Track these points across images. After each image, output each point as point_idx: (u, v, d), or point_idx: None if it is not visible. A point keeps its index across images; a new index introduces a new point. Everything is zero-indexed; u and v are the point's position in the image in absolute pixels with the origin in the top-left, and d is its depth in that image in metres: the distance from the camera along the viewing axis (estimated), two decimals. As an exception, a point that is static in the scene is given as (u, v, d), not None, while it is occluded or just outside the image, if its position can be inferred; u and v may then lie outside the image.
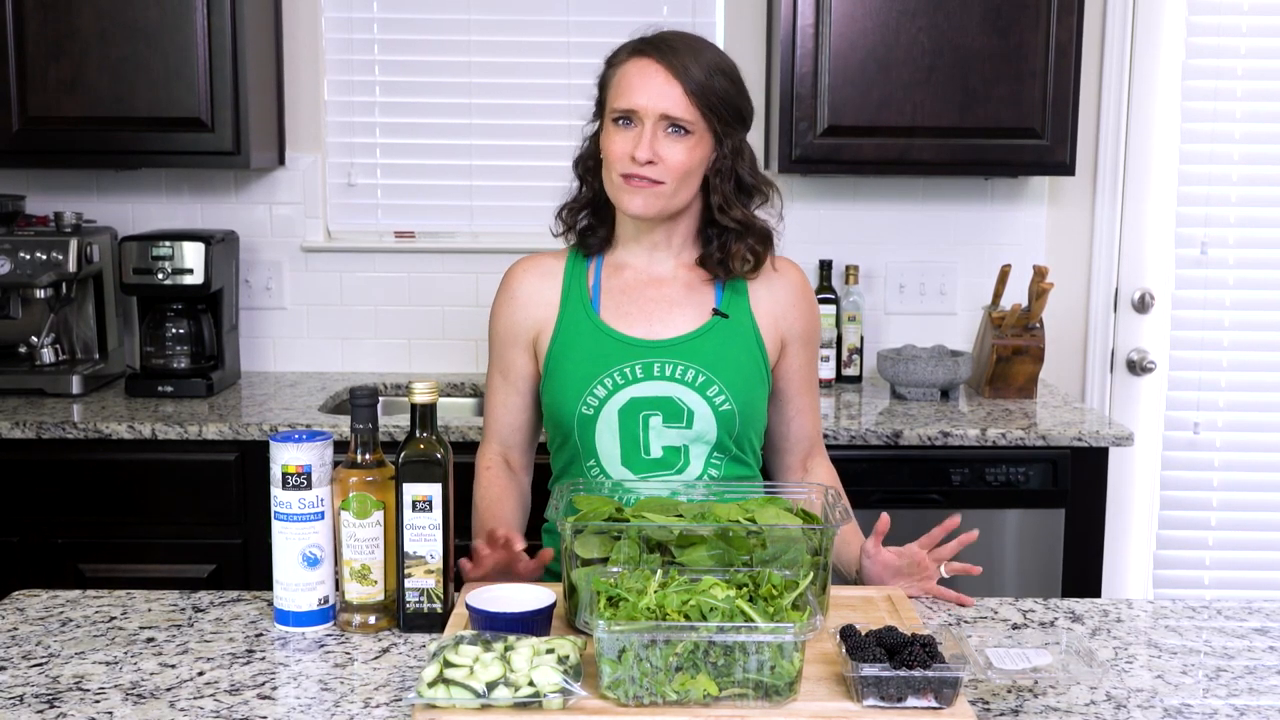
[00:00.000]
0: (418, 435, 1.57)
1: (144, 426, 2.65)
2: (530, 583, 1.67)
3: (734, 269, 1.93)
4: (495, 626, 1.46)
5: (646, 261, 1.96)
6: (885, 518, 1.78)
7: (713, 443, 1.91)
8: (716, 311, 1.93)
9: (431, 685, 1.31)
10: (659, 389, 1.89)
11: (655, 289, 1.95)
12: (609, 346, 1.90)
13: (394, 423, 2.60)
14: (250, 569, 2.68)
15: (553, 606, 1.51)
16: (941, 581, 1.78)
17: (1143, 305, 3.34)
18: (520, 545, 1.70)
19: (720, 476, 1.91)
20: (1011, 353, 3.00)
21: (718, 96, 1.85)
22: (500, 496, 1.95)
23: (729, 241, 1.92)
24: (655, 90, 1.83)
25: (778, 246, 1.98)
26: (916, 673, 1.31)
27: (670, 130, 1.84)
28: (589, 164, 1.96)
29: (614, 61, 1.91)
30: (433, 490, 1.55)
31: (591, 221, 1.98)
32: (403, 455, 1.56)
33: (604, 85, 1.92)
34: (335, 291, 3.30)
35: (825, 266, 3.21)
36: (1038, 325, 3.02)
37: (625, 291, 1.95)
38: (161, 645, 1.54)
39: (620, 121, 1.86)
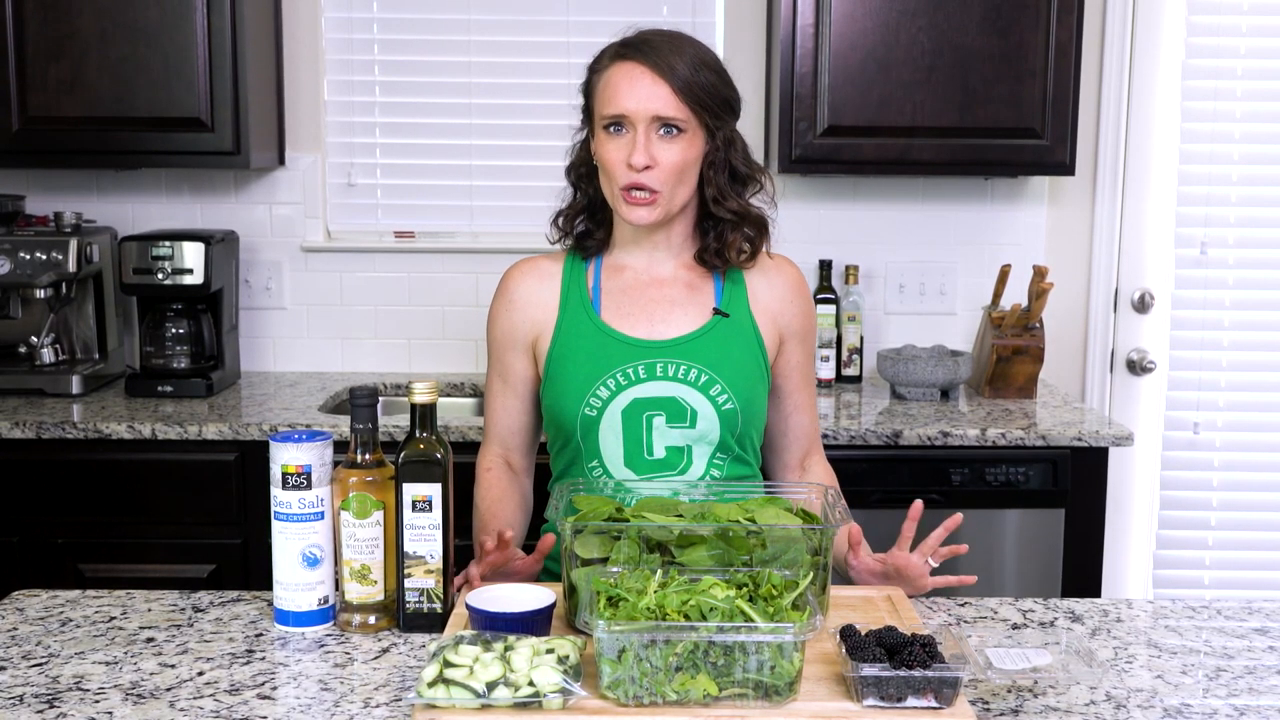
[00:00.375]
0: (418, 435, 1.57)
1: (144, 426, 2.65)
2: (530, 582, 1.67)
3: (730, 259, 1.93)
4: (495, 626, 1.46)
5: (647, 263, 1.96)
6: (856, 528, 1.77)
7: (716, 443, 1.90)
8: (717, 311, 1.93)
9: (431, 685, 1.31)
10: (662, 389, 1.89)
11: (656, 289, 1.95)
12: (611, 347, 1.90)
13: (394, 423, 2.60)
14: (250, 569, 2.68)
15: (553, 606, 1.51)
16: (933, 571, 1.77)
17: (1143, 305, 3.34)
18: (509, 534, 1.69)
19: (723, 476, 1.91)
20: (1011, 353, 3.00)
21: (705, 91, 1.84)
22: (501, 498, 1.95)
23: (725, 232, 1.92)
24: (643, 93, 1.82)
25: (773, 234, 1.99)
26: (916, 673, 1.31)
27: (663, 131, 1.83)
28: (581, 170, 1.96)
29: (597, 67, 1.90)
30: (433, 490, 1.55)
31: (588, 226, 1.99)
32: (403, 455, 1.56)
33: (589, 92, 1.91)
34: (335, 291, 3.30)
35: (825, 266, 3.21)
36: (1038, 325, 3.02)
37: (626, 292, 1.95)
38: (161, 645, 1.54)
39: (611, 128, 1.85)
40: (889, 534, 1.86)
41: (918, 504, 1.76)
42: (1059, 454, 2.71)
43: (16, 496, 2.68)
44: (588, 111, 1.93)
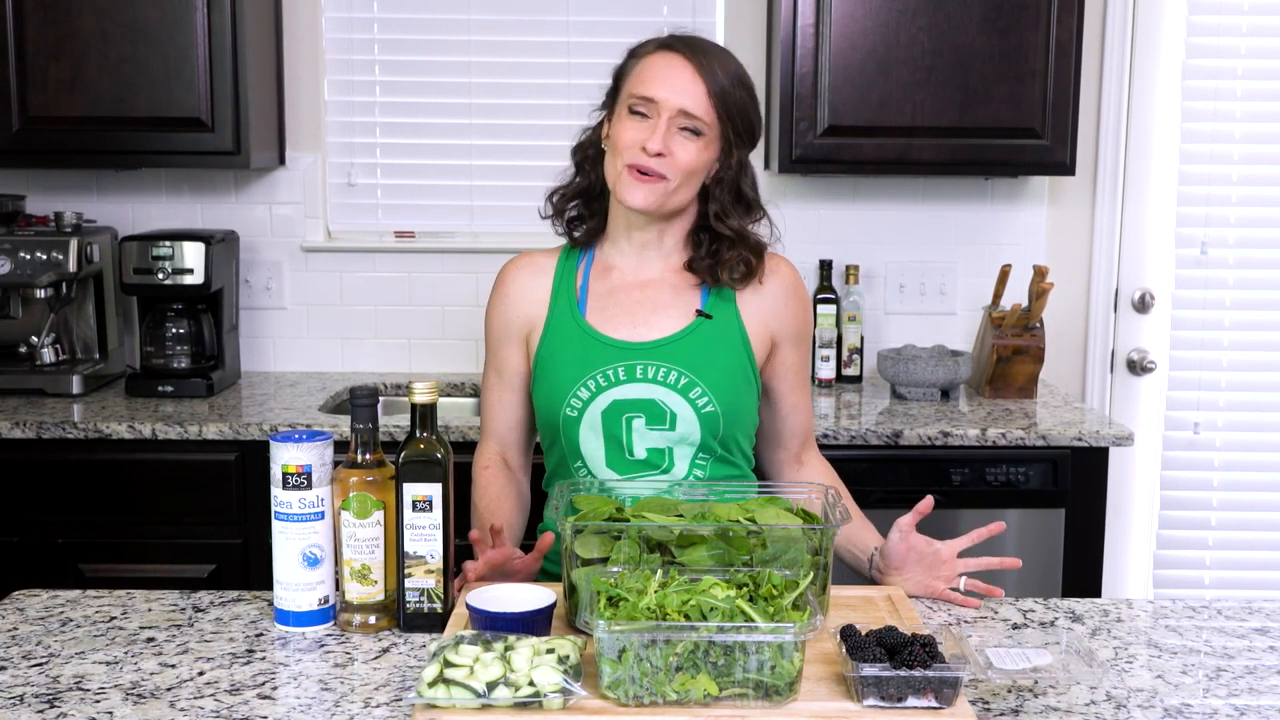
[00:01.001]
0: (418, 435, 1.57)
1: (144, 426, 2.65)
2: (530, 582, 1.67)
3: (722, 278, 1.92)
4: (495, 626, 1.46)
5: (635, 262, 1.95)
6: (929, 499, 1.76)
7: (697, 444, 1.90)
8: (700, 313, 1.92)
9: (431, 685, 1.31)
10: (641, 391, 1.88)
11: (641, 291, 1.94)
12: (593, 348, 1.90)
13: (394, 423, 2.60)
14: (250, 569, 2.68)
15: (553, 606, 1.51)
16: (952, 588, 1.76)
17: (1143, 305, 3.34)
18: (498, 524, 1.70)
19: (706, 477, 1.91)
20: (1011, 353, 3.00)
21: (736, 105, 1.86)
22: (499, 497, 1.95)
23: (721, 249, 1.92)
24: (678, 84, 1.83)
25: (780, 244, 1.99)
26: (916, 673, 1.31)
27: (683, 130, 1.84)
28: (588, 153, 1.96)
29: (638, 53, 1.91)
30: (433, 490, 1.55)
31: (581, 211, 1.98)
32: (403, 455, 1.56)
33: (622, 75, 1.91)
34: (335, 291, 3.30)
35: (825, 266, 3.21)
36: (1038, 325, 3.02)
37: (612, 293, 1.94)
38: (161, 645, 1.54)
39: (636, 111, 1.85)
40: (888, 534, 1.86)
41: (1000, 525, 1.76)
42: (1059, 454, 2.71)
43: (16, 496, 2.68)
44: (614, 93, 1.92)
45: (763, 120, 1.94)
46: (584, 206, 1.98)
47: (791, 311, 1.99)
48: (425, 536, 1.56)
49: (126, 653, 1.51)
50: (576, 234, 1.98)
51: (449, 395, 3.13)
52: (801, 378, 2.03)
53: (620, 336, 1.91)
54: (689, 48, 1.86)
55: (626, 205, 1.87)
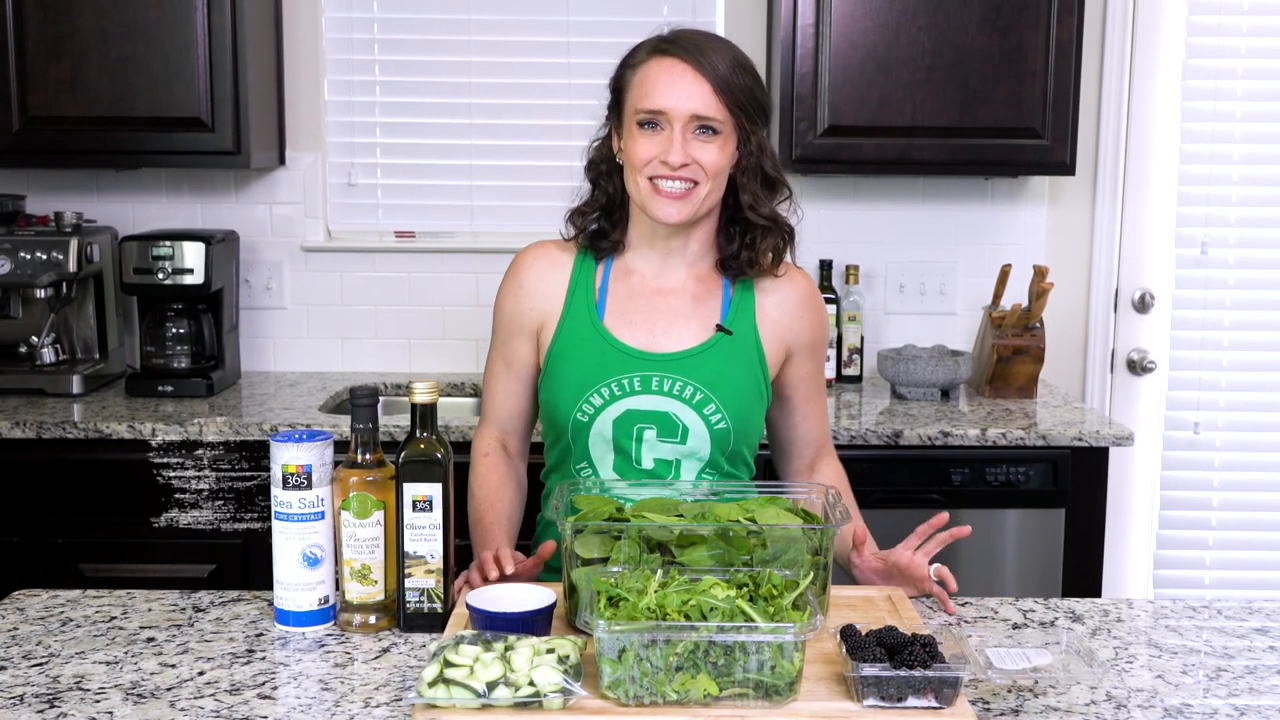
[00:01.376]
0: (418, 435, 1.57)
1: (144, 426, 2.65)
2: (530, 582, 1.67)
3: (763, 264, 1.91)
4: (495, 626, 1.46)
5: (658, 269, 1.93)
6: (862, 527, 1.80)
7: (705, 459, 1.90)
8: (720, 328, 1.91)
9: (432, 685, 1.31)
10: (655, 403, 1.87)
11: (662, 298, 1.92)
12: (609, 355, 1.89)
13: (394, 423, 2.60)
14: (250, 569, 2.68)
15: (553, 606, 1.52)
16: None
17: (1143, 305, 3.34)
18: (509, 569, 1.68)
19: None
20: (1012, 353, 3.00)
21: (743, 93, 1.82)
22: (499, 486, 1.94)
23: (757, 239, 1.90)
24: (683, 90, 1.80)
25: (797, 243, 1.97)
26: (917, 673, 1.31)
27: (699, 131, 1.81)
28: (602, 168, 1.93)
29: (632, 62, 1.87)
30: (433, 490, 1.56)
31: (603, 225, 1.95)
32: (403, 455, 1.56)
33: (621, 87, 1.88)
34: (335, 291, 3.30)
35: (825, 266, 3.21)
36: (1038, 325, 3.02)
37: (631, 298, 1.92)
38: (162, 645, 1.54)
39: (646, 125, 1.82)
40: (889, 534, 1.87)
41: (943, 515, 1.77)
42: (1059, 454, 2.71)
43: (16, 496, 2.68)
44: (616, 107, 1.90)
45: (769, 94, 1.91)
46: (605, 219, 1.95)
47: (806, 323, 1.97)
48: (425, 536, 1.56)
49: (126, 653, 1.51)
50: (601, 246, 1.95)
51: (449, 395, 3.13)
52: (815, 387, 2.01)
53: (638, 345, 1.89)
54: (682, 48, 1.82)
55: (661, 221, 1.84)
